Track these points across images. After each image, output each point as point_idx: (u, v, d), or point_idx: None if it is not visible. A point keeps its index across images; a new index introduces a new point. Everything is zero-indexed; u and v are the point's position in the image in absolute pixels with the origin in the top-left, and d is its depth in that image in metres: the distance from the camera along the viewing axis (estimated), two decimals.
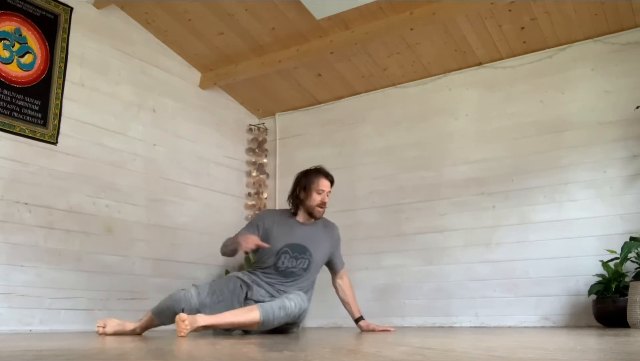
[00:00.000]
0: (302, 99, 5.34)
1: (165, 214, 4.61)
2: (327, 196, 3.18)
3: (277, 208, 5.38)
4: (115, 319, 3.00)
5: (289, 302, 2.79)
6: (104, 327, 2.94)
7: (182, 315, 2.50)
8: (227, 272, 4.90)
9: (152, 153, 4.59)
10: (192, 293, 2.86)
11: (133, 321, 3.03)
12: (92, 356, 1.41)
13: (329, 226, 3.32)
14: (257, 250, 3.12)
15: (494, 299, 4.27)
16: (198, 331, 2.63)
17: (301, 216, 3.22)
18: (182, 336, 2.44)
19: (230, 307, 2.88)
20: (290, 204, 3.24)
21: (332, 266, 3.34)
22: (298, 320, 2.96)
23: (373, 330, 3.26)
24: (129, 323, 3.00)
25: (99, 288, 4.04)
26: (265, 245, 2.99)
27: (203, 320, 2.57)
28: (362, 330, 3.31)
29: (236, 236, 3.12)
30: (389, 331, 3.23)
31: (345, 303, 3.38)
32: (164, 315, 2.87)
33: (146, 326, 2.99)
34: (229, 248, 3.10)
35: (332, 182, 3.23)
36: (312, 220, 3.21)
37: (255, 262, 3.27)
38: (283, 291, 3.05)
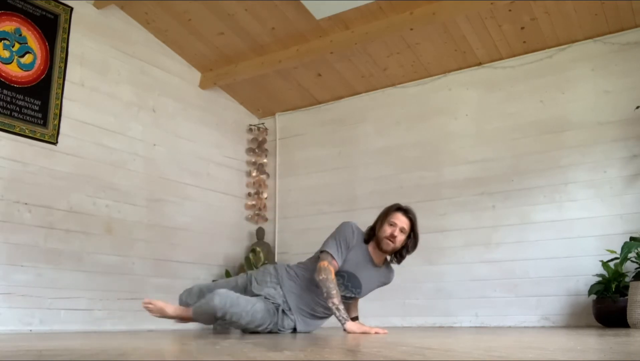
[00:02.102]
0: (302, 99, 5.34)
1: (165, 214, 4.61)
2: (401, 232, 3.03)
3: (277, 207, 5.39)
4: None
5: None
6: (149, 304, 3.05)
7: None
8: (227, 272, 4.90)
9: (152, 153, 4.59)
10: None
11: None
12: (92, 356, 1.41)
13: (390, 272, 3.27)
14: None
15: (494, 299, 4.27)
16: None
17: (372, 249, 3.12)
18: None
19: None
20: (366, 234, 3.15)
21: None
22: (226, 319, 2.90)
23: (366, 333, 3.25)
24: (170, 306, 3.09)
25: (99, 288, 4.04)
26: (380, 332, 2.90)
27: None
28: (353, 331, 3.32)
29: (338, 298, 2.89)
30: (378, 333, 3.20)
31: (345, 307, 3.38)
32: (204, 317, 2.96)
33: (182, 317, 3.08)
34: (329, 302, 2.88)
35: (410, 218, 3.07)
36: (383, 259, 3.15)
37: (300, 263, 3.22)
38: (323, 311, 3.08)
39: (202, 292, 3.12)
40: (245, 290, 3.10)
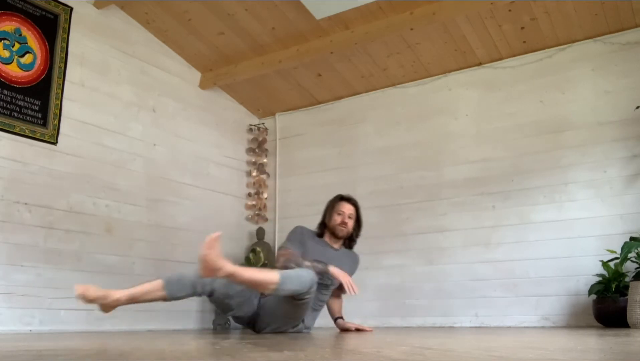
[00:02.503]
0: (302, 99, 5.34)
1: (165, 214, 4.61)
2: (350, 218, 3.38)
3: (277, 207, 5.39)
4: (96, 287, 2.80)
5: (306, 274, 2.82)
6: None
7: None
8: None
9: (152, 153, 4.59)
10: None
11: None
12: (92, 356, 1.41)
13: (353, 257, 3.49)
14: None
15: (494, 299, 4.27)
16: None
17: (328, 238, 3.42)
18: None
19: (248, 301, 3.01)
20: (318, 229, 3.46)
21: (340, 288, 3.36)
22: (306, 295, 2.88)
23: (348, 329, 3.37)
24: (113, 291, 2.81)
25: None
26: (355, 290, 3.12)
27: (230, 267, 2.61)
28: (339, 328, 3.44)
29: (307, 260, 3.10)
30: (365, 330, 3.33)
31: (329, 306, 3.49)
32: (182, 283, 2.79)
33: (137, 297, 2.79)
34: (305, 265, 3.03)
35: (354, 205, 3.43)
36: (339, 244, 3.42)
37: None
38: (317, 303, 3.24)
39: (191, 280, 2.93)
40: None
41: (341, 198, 3.44)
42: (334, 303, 3.49)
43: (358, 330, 3.35)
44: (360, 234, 3.49)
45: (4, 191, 3.61)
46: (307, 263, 3.07)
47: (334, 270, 3.12)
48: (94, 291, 2.62)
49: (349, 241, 3.46)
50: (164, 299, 2.79)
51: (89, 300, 2.59)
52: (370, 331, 3.33)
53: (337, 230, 3.36)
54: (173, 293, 2.78)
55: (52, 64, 3.95)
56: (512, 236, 4.28)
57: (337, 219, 3.36)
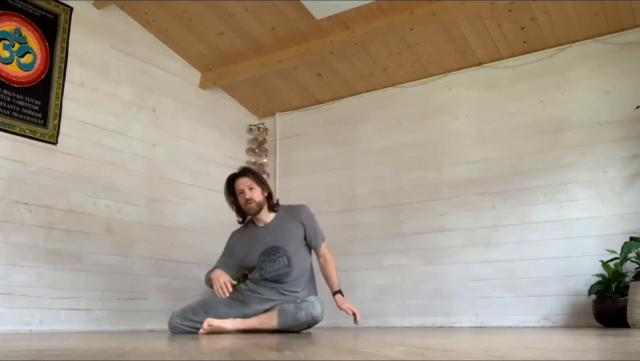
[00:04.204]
0: (302, 99, 5.34)
1: (165, 214, 4.61)
2: (250, 190, 3.22)
3: None
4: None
5: (301, 312, 2.94)
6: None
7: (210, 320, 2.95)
8: None
9: (152, 153, 4.59)
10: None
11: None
12: (92, 356, 1.41)
13: (294, 212, 3.35)
14: (239, 278, 3.33)
15: (494, 299, 4.27)
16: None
17: (256, 220, 3.34)
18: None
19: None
20: (239, 216, 3.39)
21: (310, 246, 3.36)
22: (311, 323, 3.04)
23: (339, 306, 3.31)
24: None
25: (98, 288, 4.03)
26: (233, 282, 3.17)
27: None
28: (337, 304, 3.35)
29: (212, 270, 3.28)
30: (355, 316, 3.29)
31: (325, 278, 3.41)
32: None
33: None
34: (206, 281, 3.30)
35: (244, 174, 3.28)
36: (272, 217, 3.31)
37: (250, 280, 3.35)
38: (287, 290, 3.19)
39: (195, 311, 3.17)
40: (228, 304, 3.21)
41: (231, 178, 3.32)
42: (327, 278, 3.37)
43: (354, 314, 3.28)
44: (272, 195, 3.36)
45: (4, 191, 3.61)
46: (207, 278, 3.24)
47: (213, 276, 3.17)
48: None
49: (270, 205, 3.31)
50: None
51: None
52: (358, 318, 3.29)
53: (247, 210, 3.25)
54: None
55: (52, 64, 3.95)
56: (512, 236, 4.28)
57: (241, 199, 3.25)
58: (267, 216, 3.31)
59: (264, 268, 3.21)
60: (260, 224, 3.31)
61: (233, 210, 3.35)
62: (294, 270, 3.22)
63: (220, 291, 3.07)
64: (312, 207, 5.36)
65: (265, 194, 3.29)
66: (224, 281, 3.10)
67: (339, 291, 3.33)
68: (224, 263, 3.31)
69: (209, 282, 3.24)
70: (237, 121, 5.48)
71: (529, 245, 4.21)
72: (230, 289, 3.11)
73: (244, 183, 3.24)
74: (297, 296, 3.19)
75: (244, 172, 3.30)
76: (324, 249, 3.39)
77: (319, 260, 3.41)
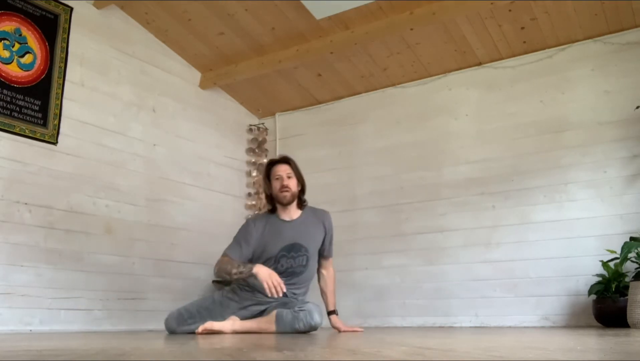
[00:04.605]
0: (302, 99, 5.34)
1: (165, 214, 4.61)
2: (288, 178, 3.20)
3: None
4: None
5: (299, 323, 2.91)
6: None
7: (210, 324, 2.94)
8: None
9: (152, 153, 4.59)
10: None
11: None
12: (92, 356, 1.41)
13: (319, 214, 3.33)
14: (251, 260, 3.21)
15: (494, 299, 4.27)
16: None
17: (282, 212, 3.25)
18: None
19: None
20: (268, 204, 3.32)
21: (320, 254, 3.33)
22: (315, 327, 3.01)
23: (338, 328, 3.26)
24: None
25: (99, 288, 4.04)
26: (284, 288, 3.02)
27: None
28: (331, 324, 3.32)
29: (227, 260, 3.12)
30: (356, 331, 3.20)
31: (323, 293, 3.38)
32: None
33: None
34: (233, 274, 3.06)
35: (286, 162, 3.27)
36: (294, 211, 3.25)
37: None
38: (292, 290, 3.15)
39: (192, 314, 3.12)
40: (222, 305, 3.17)
41: (272, 163, 3.28)
42: (324, 295, 3.36)
43: (347, 331, 3.24)
44: (305, 190, 3.31)
45: (4, 191, 3.61)
46: (235, 271, 3.03)
47: (258, 272, 2.98)
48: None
49: (300, 200, 3.27)
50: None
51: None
52: (361, 331, 3.25)
53: (280, 198, 3.18)
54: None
55: (52, 64, 3.95)
56: (512, 236, 4.28)
57: (276, 185, 3.19)
58: (294, 212, 3.25)
59: (279, 262, 3.15)
60: (286, 218, 3.23)
61: (266, 192, 3.28)
62: (308, 272, 3.22)
63: (273, 291, 2.93)
64: None
65: (299, 188, 3.26)
66: (277, 281, 2.95)
67: (335, 311, 3.32)
68: (240, 254, 3.16)
69: (221, 273, 3.10)
70: (237, 121, 5.48)
71: (529, 245, 4.21)
72: (284, 290, 2.98)
73: (283, 169, 3.22)
74: (296, 297, 3.18)
75: (286, 160, 3.27)
76: (330, 262, 3.40)
77: (320, 271, 3.37)
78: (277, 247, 3.15)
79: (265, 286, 2.93)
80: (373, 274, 4.77)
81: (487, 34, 4.28)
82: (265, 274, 2.96)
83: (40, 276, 3.72)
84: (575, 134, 4.19)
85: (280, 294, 2.97)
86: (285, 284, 3.07)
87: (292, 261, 3.14)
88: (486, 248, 4.36)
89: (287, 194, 3.18)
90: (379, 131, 5.00)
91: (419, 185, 4.72)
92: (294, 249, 3.16)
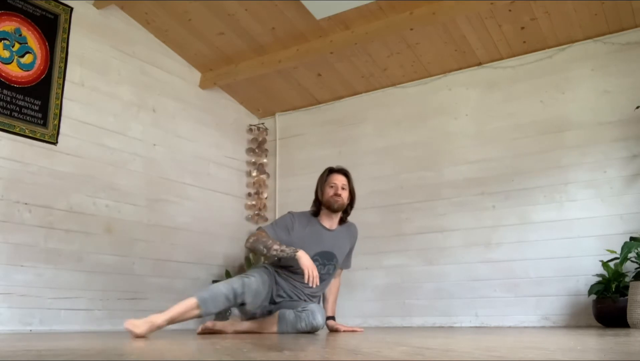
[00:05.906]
0: (302, 99, 5.34)
1: (165, 214, 4.61)
2: (342, 189, 3.27)
3: (277, 207, 5.39)
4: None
5: (301, 323, 2.95)
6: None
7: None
8: (227, 273, 4.90)
9: (152, 153, 4.59)
10: (251, 280, 2.96)
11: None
12: (92, 356, 1.41)
13: (352, 229, 3.43)
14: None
15: (494, 299, 4.27)
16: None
17: (324, 218, 3.30)
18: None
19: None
20: (313, 206, 3.35)
21: (341, 264, 3.39)
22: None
23: (338, 329, 3.33)
24: (154, 318, 2.80)
25: (99, 288, 4.04)
26: (315, 284, 3.00)
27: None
28: (329, 328, 3.39)
29: (269, 240, 3.07)
30: (356, 331, 3.28)
31: (325, 299, 3.45)
32: (216, 300, 2.83)
33: (174, 318, 2.76)
34: (273, 249, 3.03)
35: (345, 174, 3.35)
36: (335, 222, 3.31)
37: (279, 261, 3.22)
38: (309, 296, 3.21)
39: (237, 294, 2.97)
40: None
41: (331, 171, 3.36)
42: (326, 301, 3.44)
43: (347, 331, 3.30)
44: (354, 206, 3.36)
45: (4, 191, 3.61)
46: (276, 247, 3.01)
47: (301, 257, 2.97)
48: (141, 325, 2.67)
49: (344, 213, 3.34)
50: (199, 316, 2.83)
51: (139, 336, 2.60)
52: (361, 331, 3.31)
53: (331, 203, 3.23)
54: (208, 310, 2.82)
55: (52, 64, 3.95)
56: (512, 236, 4.28)
57: (330, 191, 3.25)
58: (335, 222, 3.32)
59: None
60: (327, 225, 3.29)
61: (317, 195, 3.31)
62: (329, 280, 3.31)
63: (312, 280, 2.94)
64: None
65: (348, 202, 3.32)
66: (316, 273, 2.98)
67: (333, 318, 3.43)
68: (279, 238, 3.13)
69: (258, 244, 3.04)
70: (237, 121, 5.49)
71: (529, 245, 4.21)
72: (318, 284, 3.01)
73: (341, 180, 3.31)
74: (311, 301, 3.23)
75: (345, 172, 3.37)
76: (341, 273, 3.50)
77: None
78: (314, 250, 3.18)
79: (306, 272, 2.95)
80: (373, 274, 4.77)
81: (487, 34, 4.28)
82: (308, 261, 2.99)
83: (40, 276, 3.72)
84: (575, 134, 4.19)
85: (317, 285, 2.99)
86: (309, 288, 3.10)
87: (321, 268, 3.18)
88: (486, 248, 4.36)
89: (339, 201, 3.25)
90: (379, 131, 5.00)
91: (419, 185, 4.72)
92: (327, 256, 3.22)
